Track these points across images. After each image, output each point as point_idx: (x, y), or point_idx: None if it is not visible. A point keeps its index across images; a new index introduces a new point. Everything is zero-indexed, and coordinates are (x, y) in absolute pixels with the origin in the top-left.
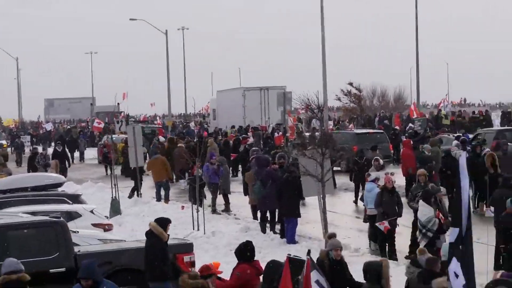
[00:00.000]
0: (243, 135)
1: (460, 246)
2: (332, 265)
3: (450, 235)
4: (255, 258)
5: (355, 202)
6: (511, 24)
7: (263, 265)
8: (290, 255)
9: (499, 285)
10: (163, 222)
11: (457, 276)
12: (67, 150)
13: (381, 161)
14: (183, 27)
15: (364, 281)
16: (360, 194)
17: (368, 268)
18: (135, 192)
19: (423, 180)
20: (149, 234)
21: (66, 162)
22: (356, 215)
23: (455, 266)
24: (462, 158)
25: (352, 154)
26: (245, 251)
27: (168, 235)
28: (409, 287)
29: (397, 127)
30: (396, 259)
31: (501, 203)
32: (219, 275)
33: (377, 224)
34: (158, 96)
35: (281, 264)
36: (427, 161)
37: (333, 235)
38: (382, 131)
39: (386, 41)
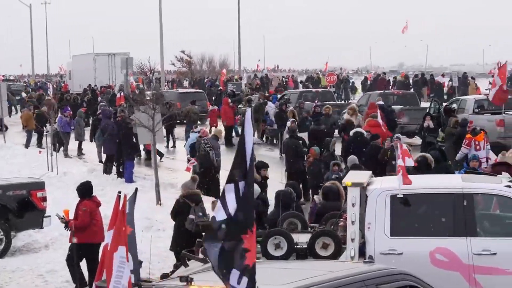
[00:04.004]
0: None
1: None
2: None
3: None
4: (98, 194)
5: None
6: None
7: (102, 200)
8: (120, 193)
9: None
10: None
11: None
12: None
13: None
14: (45, 1)
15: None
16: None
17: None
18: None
19: (219, 135)
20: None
21: None
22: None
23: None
24: (247, 113)
25: (176, 109)
26: (85, 189)
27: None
28: None
29: (221, 88)
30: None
31: (288, 150)
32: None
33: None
34: (26, 59)
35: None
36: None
37: (195, 178)
38: (201, 90)
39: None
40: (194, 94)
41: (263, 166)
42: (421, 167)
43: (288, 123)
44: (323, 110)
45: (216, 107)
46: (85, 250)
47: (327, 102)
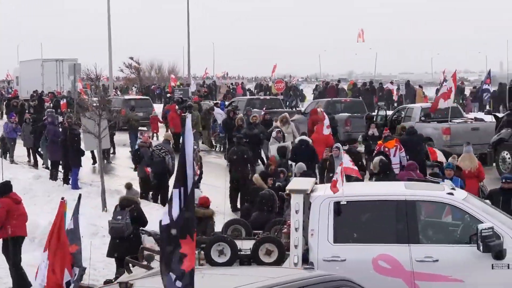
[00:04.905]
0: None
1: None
2: None
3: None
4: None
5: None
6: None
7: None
8: (63, 198)
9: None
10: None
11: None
12: None
13: None
14: None
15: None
16: None
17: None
18: None
19: (170, 139)
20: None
21: None
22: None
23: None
24: (188, 120)
25: (120, 116)
26: (1, 189)
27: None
28: None
29: (170, 95)
30: None
31: (235, 158)
32: None
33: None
34: None
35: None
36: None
37: (129, 185)
38: (147, 97)
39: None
40: (140, 101)
41: (269, 175)
42: (384, 170)
43: (274, 133)
44: (250, 119)
45: (156, 115)
46: (6, 245)
47: (275, 110)
